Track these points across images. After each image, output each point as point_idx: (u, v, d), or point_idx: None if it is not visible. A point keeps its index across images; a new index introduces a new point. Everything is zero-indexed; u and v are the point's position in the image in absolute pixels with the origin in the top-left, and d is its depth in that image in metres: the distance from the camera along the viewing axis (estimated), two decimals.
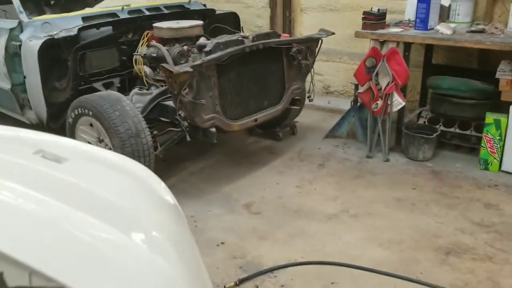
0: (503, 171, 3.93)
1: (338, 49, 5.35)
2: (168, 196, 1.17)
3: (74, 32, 3.57)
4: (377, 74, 4.04)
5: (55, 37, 3.53)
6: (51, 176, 0.97)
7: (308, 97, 4.13)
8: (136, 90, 3.63)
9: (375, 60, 4.02)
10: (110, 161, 1.16)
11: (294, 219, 3.34)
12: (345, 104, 5.29)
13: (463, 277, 2.70)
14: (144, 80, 3.73)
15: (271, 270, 2.79)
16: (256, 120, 3.63)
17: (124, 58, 3.90)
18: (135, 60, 3.75)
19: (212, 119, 3.28)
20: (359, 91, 4.20)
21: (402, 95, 4.08)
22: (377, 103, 4.00)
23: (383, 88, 4.03)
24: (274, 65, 3.77)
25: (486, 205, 3.47)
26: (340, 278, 2.71)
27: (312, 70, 4.05)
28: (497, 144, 3.89)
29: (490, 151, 3.94)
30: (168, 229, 1.03)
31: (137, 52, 3.75)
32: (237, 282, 2.66)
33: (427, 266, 2.81)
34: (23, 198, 0.82)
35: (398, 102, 4.06)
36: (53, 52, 3.53)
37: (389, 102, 4.05)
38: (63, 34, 3.56)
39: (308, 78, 4.13)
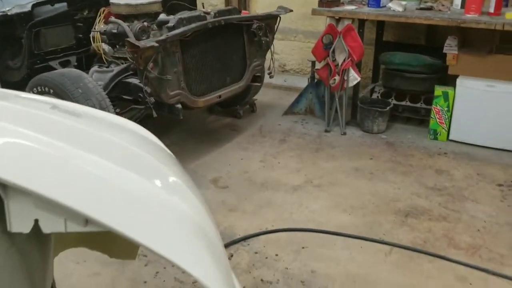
0: (450, 140, 4.21)
1: (293, 27, 5.46)
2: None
3: (27, 8, 3.43)
4: (333, 50, 4.18)
5: (8, 13, 3.38)
6: (76, 127, 0.98)
7: (269, 73, 4.21)
8: (95, 68, 3.56)
9: (331, 37, 4.15)
10: (113, 119, 1.18)
11: (261, 191, 3.43)
12: (301, 82, 5.43)
13: (422, 236, 2.91)
14: (103, 58, 3.66)
15: (244, 238, 2.87)
16: (220, 96, 3.67)
17: (80, 35, 3.80)
18: (93, 37, 3.66)
19: (177, 95, 3.29)
20: (316, 67, 4.33)
21: (357, 70, 4.25)
22: (334, 79, 4.14)
23: (339, 64, 4.18)
24: (236, 42, 3.81)
25: (438, 171, 3.72)
26: (310, 243, 2.84)
27: (272, 46, 4.13)
28: (445, 115, 4.16)
29: (438, 121, 4.20)
30: (181, 176, 1.08)
31: (95, 29, 3.66)
32: None
33: (388, 227, 3.00)
34: (56, 147, 0.84)
35: (354, 77, 4.23)
36: (5, 29, 3.38)
37: (345, 78, 4.21)
38: (16, 10, 3.41)
39: (268, 55, 4.20)
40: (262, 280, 2.54)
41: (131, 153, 1.00)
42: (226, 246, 2.80)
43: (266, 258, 2.71)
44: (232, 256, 2.73)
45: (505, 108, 3.93)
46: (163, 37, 3.07)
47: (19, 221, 0.81)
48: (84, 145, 0.90)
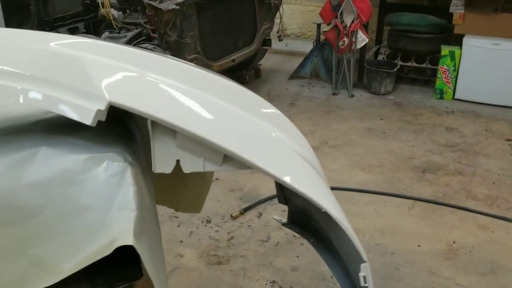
0: (456, 99, 4.31)
1: None
2: None
3: None
4: (342, 12, 4.18)
5: None
6: (202, 75, 1.03)
7: (278, 37, 4.20)
8: (107, 33, 3.51)
9: None
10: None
11: None
12: (303, 46, 5.44)
13: (441, 189, 3.02)
14: (113, 24, 3.60)
15: (270, 198, 2.93)
16: (233, 60, 3.67)
17: (88, 1, 3.72)
18: (102, 2, 3.59)
19: (194, 59, 3.28)
20: (324, 29, 4.33)
21: (365, 31, 4.27)
22: (343, 41, 4.16)
23: (348, 26, 4.18)
24: (246, 5, 3.78)
25: (447, 129, 3.82)
26: None
27: (281, 9, 4.11)
28: (452, 74, 4.23)
29: (445, 81, 4.28)
30: (291, 128, 1.15)
31: None
32: (242, 211, 2.79)
33: (408, 183, 3.09)
34: (195, 93, 0.88)
35: (362, 39, 4.25)
36: None
37: (353, 40, 4.22)
38: None
39: (277, 19, 4.19)
40: (294, 235, 2.62)
41: (249, 100, 1.05)
42: (254, 205, 2.86)
43: None
44: (261, 214, 2.81)
45: (509, 65, 4.02)
46: (180, 0, 3.03)
47: (163, 162, 0.84)
48: (211, 91, 0.93)
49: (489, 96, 4.16)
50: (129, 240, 0.69)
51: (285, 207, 2.87)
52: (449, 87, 4.29)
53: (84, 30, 3.72)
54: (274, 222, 2.74)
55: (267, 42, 4.11)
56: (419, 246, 2.51)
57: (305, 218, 1.33)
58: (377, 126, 3.88)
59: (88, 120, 0.74)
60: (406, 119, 4.00)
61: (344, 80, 4.49)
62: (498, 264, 2.36)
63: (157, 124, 0.79)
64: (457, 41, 4.19)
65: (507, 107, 4.12)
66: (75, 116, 0.75)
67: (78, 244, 0.75)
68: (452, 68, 4.20)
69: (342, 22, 4.19)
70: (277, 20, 4.26)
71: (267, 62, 5.16)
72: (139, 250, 0.70)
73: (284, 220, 1.42)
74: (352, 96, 4.45)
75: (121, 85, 0.83)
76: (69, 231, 0.76)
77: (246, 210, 2.81)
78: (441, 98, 4.34)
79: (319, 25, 4.61)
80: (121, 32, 3.56)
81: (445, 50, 4.18)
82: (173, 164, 0.84)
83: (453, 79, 4.24)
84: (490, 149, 3.50)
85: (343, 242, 1.00)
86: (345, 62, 4.35)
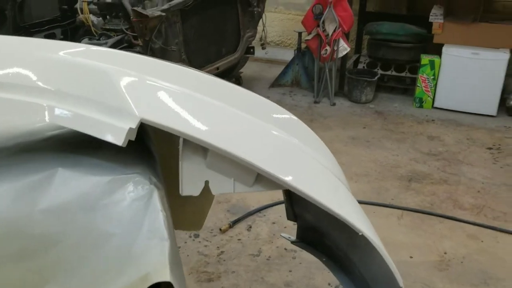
0: (435, 108, 4.37)
1: None
2: None
3: None
4: (323, 21, 4.18)
5: None
6: (230, 90, 0.97)
7: (262, 45, 4.16)
8: (86, 40, 3.38)
9: (322, 6, 4.14)
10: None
11: None
12: (282, 54, 5.43)
13: (428, 199, 3.03)
14: (93, 30, 3.48)
15: (259, 210, 2.88)
16: (218, 68, 3.60)
17: (65, 7, 3.58)
18: (80, 8, 3.47)
19: None
20: (307, 38, 4.32)
21: (347, 40, 4.28)
22: (326, 49, 4.16)
23: (329, 35, 4.19)
24: (230, 12, 3.73)
25: (429, 137, 3.86)
26: None
27: (264, 17, 4.07)
28: (431, 83, 4.29)
29: (424, 90, 4.33)
30: (314, 138, 1.10)
31: None
32: (231, 224, 2.72)
33: (395, 192, 3.09)
34: (227, 109, 0.82)
35: (344, 47, 4.26)
36: None
37: (335, 48, 4.23)
38: None
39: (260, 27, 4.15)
40: (285, 249, 2.56)
41: (280, 116, 0.99)
42: (243, 218, 2.80)
43: (285, 227, 2.73)
44: (251, 227, 2.74)
45: (488, 74, 4.10)
46: (165, 7, 2.95)
47: (191, 184, 0.77)
48: (236, 103, 0.87)
49: (469, 104, 4.23)
50: (166, 276, 0.61)
51: (274, 220, 2.84)
52: (429, 96, 4.34)
53: (61, 36, 3.58)
54: (265, 235, 2.68)
55: (250, 50, 4.07)
56: (411, 257, 2.49)
57: (316, 236, 1.28)
58: (360, 134, 3.88)
59: (119, 140, 0.66)
60: (388, 128, 4.02)
61: (325, 89, 4.48)
62: (490, 275, 2.37)
63: (188, 143, 0.73)
64: (437, 50, 4.25)
65: (486, 116, 4.20)
66: (107, 137, 0.67)
67: (102, 278, 0.67)
68: (432, 77, 4.25)
69: (324, 30, 4.19)
70: (259, 28, 4.23)
71: (247, 69, 5.12)
72: (175, 285, 0.63)
73: (293, 238, 1.36)
74: (334, 104, 4.45)
75: (149, 99, 0.76)
76: (91, 263, 0.68)
77: (235, 223, 2.74)
78: (421, 106, 4.38)
79: (300, 34, 4.60)
80: (101, 38, 3.44)
81: (425, 59, 4.23)
82: (201, 186, 0.77)
83: (433, 88, 4.30)
84: (472, 157, 3.55)
85: (371, 265, 0.95)
86: (327, 70, 4.35)
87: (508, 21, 4.12)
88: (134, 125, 0.67)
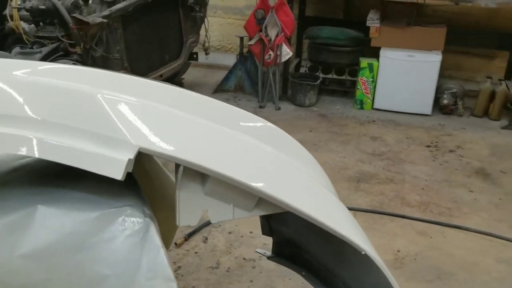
0: (375, 109, 4.51)
1: (212, 3, 5.31)
2: None
3: None
4: (266, 26, 4.18)
5: None
6: (226, 111, 0.91)
7: (205, 50, 4.09)
8: (18, 49, 3.14)
9: (264, 11, 4.14)
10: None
11: None
12: (223, 59, 5.39)
13: (377, 198, 3.11)
14: (24, 38, 3.24)
15: None
16: (161, 75, 3.49)
17: None
18: (10, 15, 3.22)
19: None
20: (250, 43, 4.30)
21: (289, 45, 4.31)
22: (270, 54, 4.17)
23: (272, 39, 4.20)
24: (172, 17, 3.63)
25: (372, 138, 3.98)
26: None
27: (206, 21, 4.01)
28: (370, 86, 4.43)
29: (364, 92, 4.47)
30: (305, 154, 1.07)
31: (10, 5, 3.21)
32: (186, 237, 2.63)
33: (345, 194, 3.14)
34: (225, 132, 0.76)
35: (286, 52, 4.29)
36: None
37: (278, 53, 4.25)
38: None
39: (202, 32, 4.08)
40: (244, 258, 2.52)
41: (279, 139, 0.95)
42: (198, 230, 2.72)
43: (242, 236, 2.69)
44: (207, 239, 2.67)
45: (422, 75, 4.30)
46: (106, 13, 2.81)
47: (189, 213, 0.70)
48: (240, 128, 0.82)
49: (406, 105, 4.41)
50: None
51: (230, 230, 2.78)
52: (368, 98, 4.48)
53: None
54: (222, 246, 2.62)
55: (193, 55, 3.98)
56: None
57: (294, 250, 1.25)
58: (307, 138, 3.92)
59: (117, 173, 0.58)
60: (333, 130, 4.10)
61: (269, 93, 4.49)
62: (442, 270, 2.46)
63: (187, 170, 0.66)
64: (375, 53, 4.40)
65: (422, 115, 4.40)
66: (104, 171, 0.59)
67: None
68: (371, 80, 4.39)
69: (267, 35, 4.20)
70: (202, 33, 4.16)
71: (189, 75, 5.02)
72: None
73: (268, 253, 1.32)
74: (279, 108, 4.47)
75: (142, 124, 0.68)
76: None
77: (190, 235, 2.65)
78: (361, 108, 4.51)
79: (242, 38, 4.58)
80: (34, 47, 3.21)
81: (364, 62, 4.36)
82: (200, 215, 0.72)
83: (372, 90, 4.44)
84: (413, 156, 3.70)
85: (362, 276, 0.93)
86: (271, 75, 4.36)
87: (438, 24, 4.35)
88: (132, 155, 0.59)
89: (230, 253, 2.56)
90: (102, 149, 0.59)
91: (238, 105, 4.60)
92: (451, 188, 3.26)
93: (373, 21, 4.29)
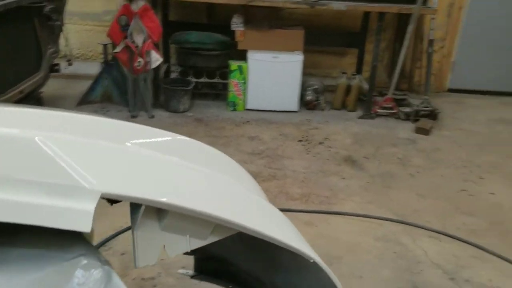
0: (247, 109, 4.67)
1: (67, 9, 4.96)
2: None
3: None
4: (131, 32, 4.04)
5: None
6: (179, 143, 0.82)
7: (68, 60, 3.79)
8: None
9: (127, 18, 4.00)
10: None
11: None
12: (84, 68, 5.08)
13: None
14: None
15: (104, 243, 2.65)
16: (22, 91, 3.15)
17: None
18: None
19: None
20: (116, 50, 4.11)
21: (158, 51, 4.23)
22: (139, 61, 4.04)
23: (140, 46, 4.07)
24: (26, 27, 3.29)
25: (250, 138, 4.11)
26: None
27: (66, 30, 3.72)
28: (242, 87, 4.57)
29: (236, 94, 4.59)
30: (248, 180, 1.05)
31: None
32: None
33: None
34: (180, 163, 0.70)
35: (156, 58, 4.20)
36: None
37: (148, 60, 4.14)
38: None
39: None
40: (143, 278, 2.42)
41: (226, 164, 0.91)
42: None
43: None
44: None
45: (287, 75, 4.57)
46: None
47: (147, 253, 0.65)
48: (190, 157, 0.78)
49: (275, 103, 4.64)
50: None
51: (123, 249, 2.65)
52: (241, 99, 4.61)
53: None
54: (117, 269, 2.47)
55: (54, 67, 3.67)
56: None
57: (218, 265, 1.24)
58: None
59: (86, 226, 0.52)
60: (212, 134, 4.14)
61: (140, 101, 4.36)
62: (332, 255, 2.66)
63: (147, 209, 0.62)
64: (243, 56, 4.54)
65: (291, 112, 4.67)
66: (69, 226, 0.52)
67: None
68: (242, 81, 4.53)
69: (133, 42, 4.06)
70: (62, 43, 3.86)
71: (48, 88, 4.60)
72: None
73: (191, 272, 1.30)
74: (153, 117, 4.36)
75: (95, 166, 0.61)
76: None
77: None
78: (234, 109, 4.63)
79: (105, 46, 4.36)
80: None
81: (233, 65, 4.47)
82: (158, 253, 0.67)
83: (244, 91, 4.58)
84: (289, 151, 3.91)
85: (301, 283, 0.97)
86: (142, 82, 4.23)
87: (296, 26, 4.66)
88: (95, 203, 0.53)
89: (127, 275, 2.43)
90: (57, 200, 0.52)
91: (108, 116, 4.38)
92: (326, 177, 3.53)
93: (237, 25, 4.42)
